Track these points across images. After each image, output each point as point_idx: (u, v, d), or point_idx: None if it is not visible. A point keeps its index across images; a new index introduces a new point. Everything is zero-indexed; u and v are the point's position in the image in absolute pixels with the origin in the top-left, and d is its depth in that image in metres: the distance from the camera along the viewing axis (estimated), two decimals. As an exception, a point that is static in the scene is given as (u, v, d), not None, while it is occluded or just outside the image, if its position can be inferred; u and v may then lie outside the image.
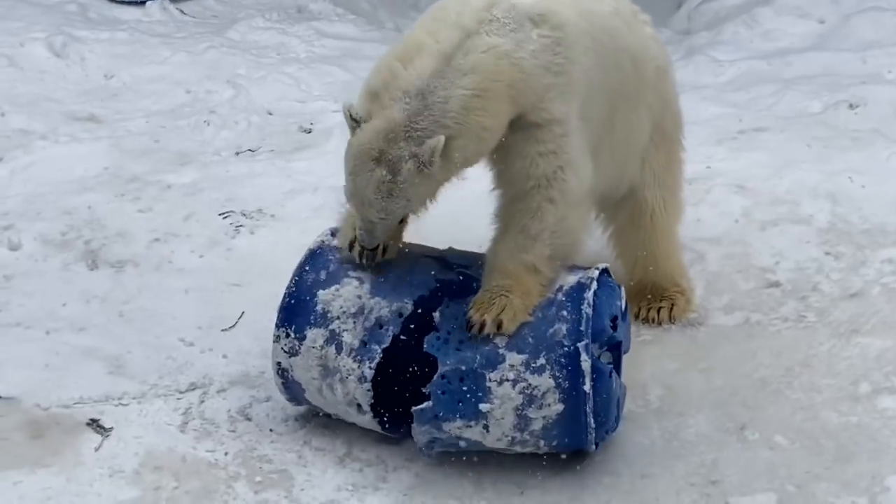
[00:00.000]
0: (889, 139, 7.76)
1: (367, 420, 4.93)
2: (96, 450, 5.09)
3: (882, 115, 8.24)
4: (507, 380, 4.64)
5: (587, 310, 4.69)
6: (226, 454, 5.09)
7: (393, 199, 4.57)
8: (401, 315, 4.80)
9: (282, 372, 5.01)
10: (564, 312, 4.71)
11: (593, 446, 4.81)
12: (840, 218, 6.81)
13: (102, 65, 9.81)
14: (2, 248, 6.64)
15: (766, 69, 9.78)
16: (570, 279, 4.85)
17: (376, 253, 4.91)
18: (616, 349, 4.96)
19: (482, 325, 4.66)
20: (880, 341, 5.74)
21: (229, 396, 5.39)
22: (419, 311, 4.81)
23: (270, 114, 8.85)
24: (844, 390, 5.44)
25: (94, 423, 5.24)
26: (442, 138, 4.46)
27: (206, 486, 4.92)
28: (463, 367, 4.66)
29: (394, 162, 4.51)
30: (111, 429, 5.21)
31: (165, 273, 6.51)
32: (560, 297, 4.77)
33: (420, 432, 4.77)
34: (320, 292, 4.91)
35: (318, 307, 4.89)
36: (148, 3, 11.82)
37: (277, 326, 4.95)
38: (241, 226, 6.97)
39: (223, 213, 7.11)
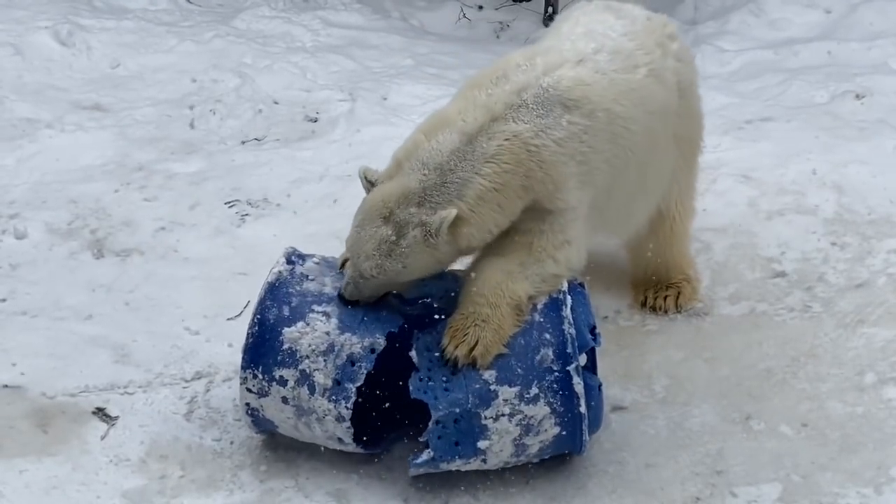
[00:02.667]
0: (895, 129, 7.74)
1: (349, 448, 4.83)
2: (102, 438, 5.10)
3: (888, 106, 8.22)
4: (503, 415, 4.60)
5: (570, 330, 4.64)
6: (231, 443, 5.10)
7: (390, 259, 4.60)
8: (373, 351, 4.68)
9: (251, 411, 4.87)
10: (547, 335, 4.65)
11: (583, 452, 4.82)
12: (846, 208, 6.80)
13: (108, 53, 9.80)
14: (8, 236, 6.65)
15: (773, 59, 9.75)
16: (541, 299, 4.76)
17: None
18: (592, 351, 4.93)
19: (456, 360, 4.60)
20: (886, 331, 5.74)
21: (234, 385, 5.37)
22: (394, 345, 4.71)
23: (276, 103, 8.84)
24: (850, 380, 5.44)
25: (100, 412, 5.25)
26: (454, 211, 4.51)
27: (211, 475, 4.93)
28: (457, 410, 4.59)
29: (401, 225, 4.57)
30: (117, 417, 5.22)
31: (171, 262, 6.51)
32: (538, 318, 4.70)
33: (417, 471, 4.72)
34: (286, 330, 4.73)
35: (286, 346, 4.71)
36: (154, -8, 11.80)
37: (243, 368, 4.77)
38: (246, 215, 6.98)
39: (229, 202, 7.11)
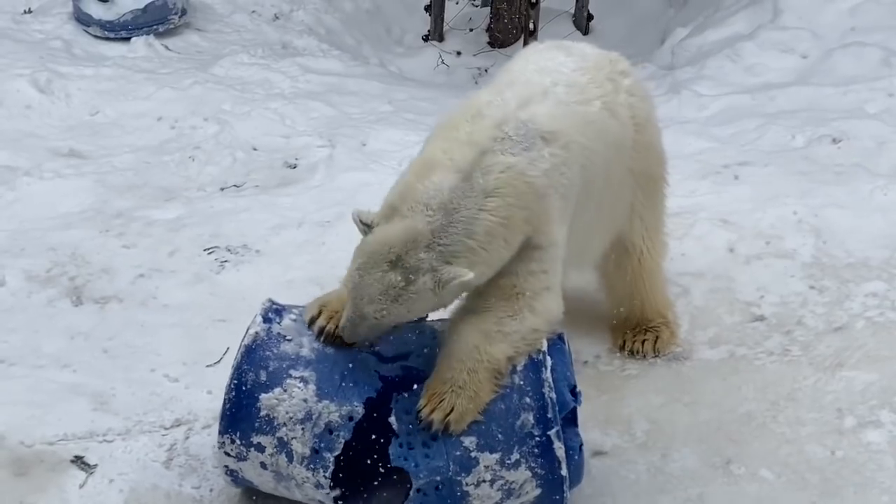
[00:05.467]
0: (872, 173, 7.79)
1: None
2: (81, 487, 5.07)
3: (864, 150, 8.28)
4: (485, 481, 4.55)
5: (550, 394, 4.57)
6: (211, 490, 5.08)
7: (396, 304, 4.47)
8: (351, 419, 4.58)
9: (230, 472, 4.81)
10: (527, 399, 4.58)
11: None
12: (824, 252, 6.84)
13: (87, 101, 9.81)
14: (-14, 284, 6.63)
15: (750, 104, 9.82)
16: (520, 360, 4.68)
17: (335, 339, 4.77)
18: (572, 412, 4.87)
19: (430, 424, 4.53)
20: (865, 375, 5.75)
21: (214, 432, 5.31)
22: (372, 414, 4.61)
23: (255, 149, 8.86)
24: (829, 424, 5.45)
25: (79, 460, 5.22)
26: (471, 275, 4.42)
27: (190, 523, 4.91)
28: (437, 478, 4.54)
29: (410, 271, 4.43)
30: (96, 466, 5.19)
31: (150, 309, 6.49)
32: (518, 380, 4.62)
33: None
34: (262, 396, 4.64)
35: (263, 412, 4.63)
36: (133, 39, 11.84)
37: (221, 433, 4.69)
38: (225, 261, 6.97)
39: (208, 249, 7.10)
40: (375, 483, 4.63)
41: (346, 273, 4.70)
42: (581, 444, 4.78)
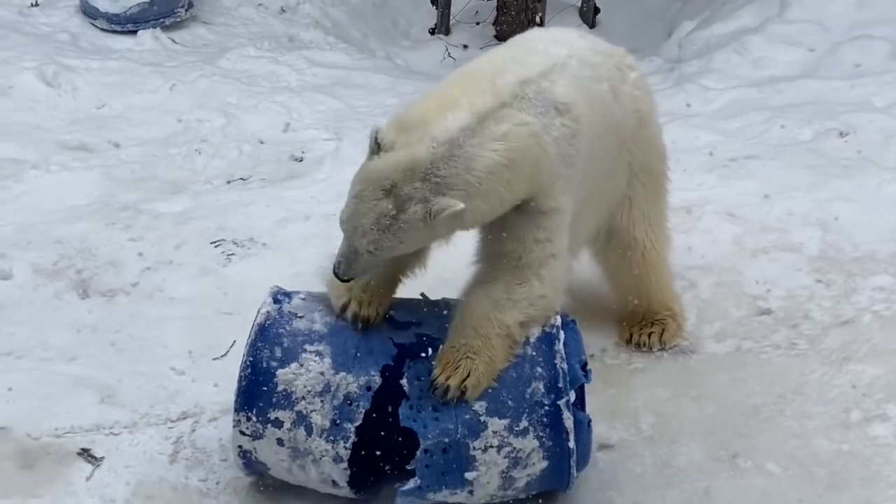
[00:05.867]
0: (879, 167, 7.78)
1: (341, 492, 4.78)
2: (87, 479, 5.07)
3: (872, 143, 8.26)
4: (492, 446, 4.56)
5: (562, 364, 4.61)
6: (217, 483, 5.08)
7: (387, 234, 4.47)
8: (369, 388, 4.61)
9: (244, 454, 4.80)
10: (539, 369, 4.63)
11: (570, 488, 4.80)
12: (831, 245, 6.83)
13: (94, 94, 9.83)
14: (-7, 277, 6.64)
15: (757, 97, 9.80)
16: (535, 330, 4.75)
17: (370, 320, 4.81)
18: (581, 387, 4.91)
19: (446, 390, 4.57)
20: (872, 368, 5.74)
21: (220, 425, 5.37)
22: (388, 382, 4.64)
23: (262, 142, 8.87)
24: (836, 418, 5.44)
25: (86, 453, 5.22)
26: (461, 206, 4.41)
27: (197, 516, 4.91)
28: (445, 440, 4.56)
29: (403, 199, 4.43)
30: (102, 458, 5.19)
31: (157, 302, 6.50)
32: (530, 351, 4.68)
33: (404, 502, 4.67)
34: (279, 371, 4.67)
35: (280, 388, 4.65)
36: (139, 32, 11.85)
37: (237, 411, 4.69)
38: (232, 254, 6.97)
39: (214, 242, 7.11)
40: (391, 458, 4.65)
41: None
42: (590, 422, 4.80)
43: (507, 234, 4.77)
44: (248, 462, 4.83)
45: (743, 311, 6.32)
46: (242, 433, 4.71)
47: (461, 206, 4.41)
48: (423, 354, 4.69)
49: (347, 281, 4.70)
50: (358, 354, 4.71)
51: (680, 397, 5.68)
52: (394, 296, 4.97)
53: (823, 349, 5.95)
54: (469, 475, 4.60)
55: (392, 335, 4.79)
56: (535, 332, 4.72)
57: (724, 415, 5.52)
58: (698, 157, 8.12)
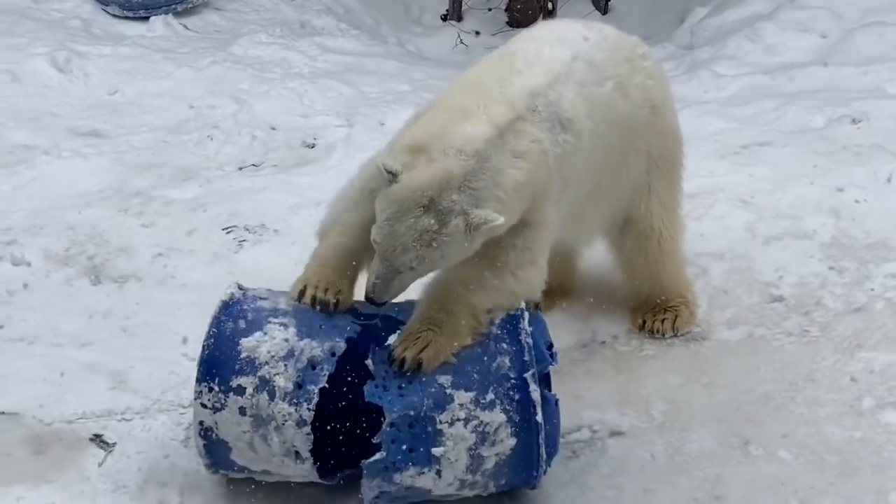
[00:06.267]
0: (892, 154, 7.75)
1: (304, 469, 4.70)
2: (100, 465, 5.08)
3: (884, 130, 8.24)
4: (459, 419, 4.52)
5: (527, 339, 4.59)
6: (229, 469, 5.08)
7: (431, 249, 4.43)
8: (334, 354, 4.59)
9: (205, 432, 4.70)
10: (504, 345, 4.61)
11: (538, 481, 4.71)
12: (843, 233, 6.81)
13: (106, 80, 9.84)
14: (5, 263, 6.64)
15: (769, 84, 9.79)
16: (500, 314, 4.70)
17: (329, 304, 4.75)
18: (546, 379, 4.85)
19: (402, 362, 4.54)
20: (884, 356, 5.73)
21: (232, 411, 5.38)
22: (353, 352, 4.61)
23: (273, 129, 8.87)
24: (848, 405, 5.44)
25: (98, 439, 5.24)
26: (501, 220, 4.41)
27: (208, 502, 4.91)
28: (411, 413, 4.51)
29: (443, 213, 4.40)
30: (114, 444, 5.20)
31: (168, 288, 6.51)
32: (495, 330, 4.65)
33: (370, 486, 4.62)
34: (243, 340, 4.64)
35: (243, 355, 4.61)
36: (151, 19, 11.86)
37: (198, 381, 4.63)
38: (244, 240, 6.98)
39: (226, 228, 7.12)
40: (349, 420, 4.58)
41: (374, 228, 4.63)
42: (557, 401, 4.74)
43: (490, 241, 4.67)
44: (210, 444, 4.72)
45: (755, 297, 6.32)
46: (204, 405, 4.63)
47: (501, 219, 4.41)
48: (389, 341, 4.64)
49: (382, 304, 4.64)
50: (322, 327, 4.68)
51: (691, 384, 5.68)
52: (353, 297, 4.87)
53: (835, 336, 5.94)
54: (436, 451, 4.53)
55: (354, 318, 4.75)
56: (500, 315, 4.69)
57: (736, 402, 5.52)
58: (710, 144, 8.10)
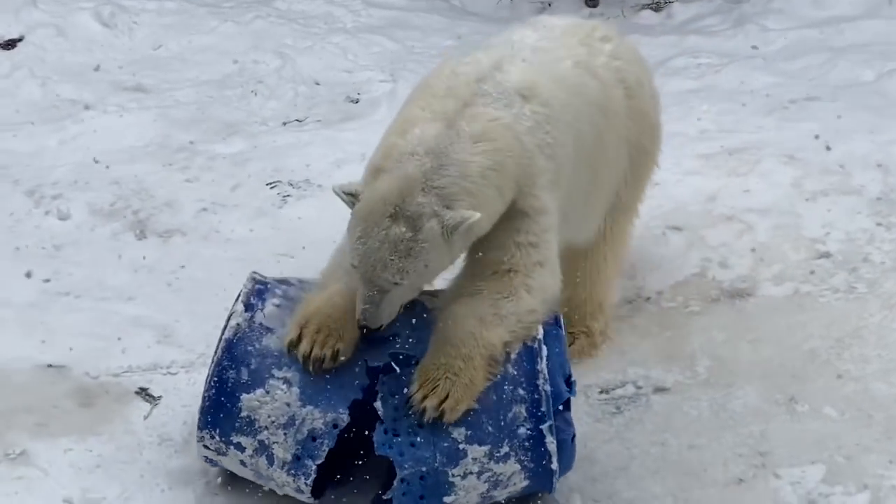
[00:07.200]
0: (943, 108, 7.68)
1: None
2: (145, 418, 5.13)
3: (935, 84, 8.15)
4: (472, 473, 4.42)
5: (545, 387, 4.45)
6: (273, 423, 5.10)
7: (411, 259, 4.28)
8: (336, 426, 4.45)
9: (211, 462, 4.74)
10: (521, 391, 4.45)
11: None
12: (891, 188, 6.75)
13: (150, 35, 9.82)
14: (51, 217, 6.69)
15: (818, 37, 9.66)
16: (517, 346, 4.53)
17: (324, 362, 4.49)
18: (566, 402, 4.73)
19: (423, 411, 4.38)
20: (932, 313, 5.70)
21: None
22: (357, 417, 4.49)
23: (317, 84, 8.85)
24: (895, 362, 5.40)
25: (143, 392, 5.28)
26: (478, 215, 4.28)
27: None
28: (423, 469, 4.41)
29: (413, 218, 4.27)
30: (160, 397, 5.25)
31: (213, 243, 6.53)
32: (511, 370, 4.48)
33: None
34: (244, 396, 4.51)
35: (244, 413, 4.51)
36: (196, -27, 11.84)
37: (200, 428, 4.59)
38: (288, 196, 6.99)
39: (270, 183, 7.13)
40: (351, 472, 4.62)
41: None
42: (574, 436, 4.65)
43: (489, 241, 4.57)
44: (217, 465, 4.78)
45: (801, 254, 6.28)
46: (206, 447, 4.63)
47: (478, 215, 4.29)
48: (399, 370, 4.52)
49: (378, 330, 4.47)
50: (328, 386, 4.53)
51: (737, 341, 5.66)
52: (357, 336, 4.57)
53: (883, 293, 5.91)
54: (447, 499, 4.47)
55: (366, 356, 4.56)
56: (517, 348, 4.53)
57: (781, 358, 5.50)
58: (758, 99, 8.03)
